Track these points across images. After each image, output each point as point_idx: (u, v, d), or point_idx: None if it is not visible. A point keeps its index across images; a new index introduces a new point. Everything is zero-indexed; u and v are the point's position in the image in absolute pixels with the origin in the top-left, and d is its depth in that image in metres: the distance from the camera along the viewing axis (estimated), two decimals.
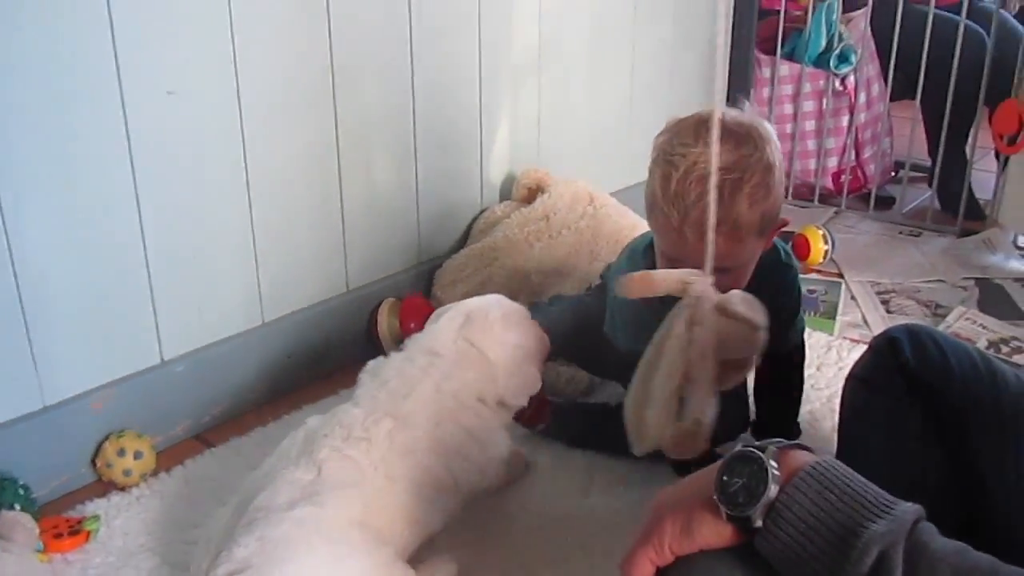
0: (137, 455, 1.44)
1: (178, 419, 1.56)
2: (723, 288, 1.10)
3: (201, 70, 1.47)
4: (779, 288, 1.37)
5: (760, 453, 0.69)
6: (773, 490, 0.67)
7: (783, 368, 1.48)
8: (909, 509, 0.65)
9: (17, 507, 1.29)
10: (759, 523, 0.67)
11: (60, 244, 1.36)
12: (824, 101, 2.65)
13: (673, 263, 1.19)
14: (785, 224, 1.30)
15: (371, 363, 1.25)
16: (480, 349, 1.22)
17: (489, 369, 1.21)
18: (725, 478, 0.70)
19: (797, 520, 0.66)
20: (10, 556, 1.13)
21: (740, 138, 1.18)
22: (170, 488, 1.43)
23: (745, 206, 1.17)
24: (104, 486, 1.44)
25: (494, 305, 1.28)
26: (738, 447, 0.72)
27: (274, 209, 1.63)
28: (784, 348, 1.42)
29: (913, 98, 2.56)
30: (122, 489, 1.43)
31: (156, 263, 1.48)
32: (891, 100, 2.68)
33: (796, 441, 0.73)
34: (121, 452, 1.43)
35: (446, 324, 1.24)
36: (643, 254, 1.36)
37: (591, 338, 1.46)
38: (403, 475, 1.13)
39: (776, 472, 0.68)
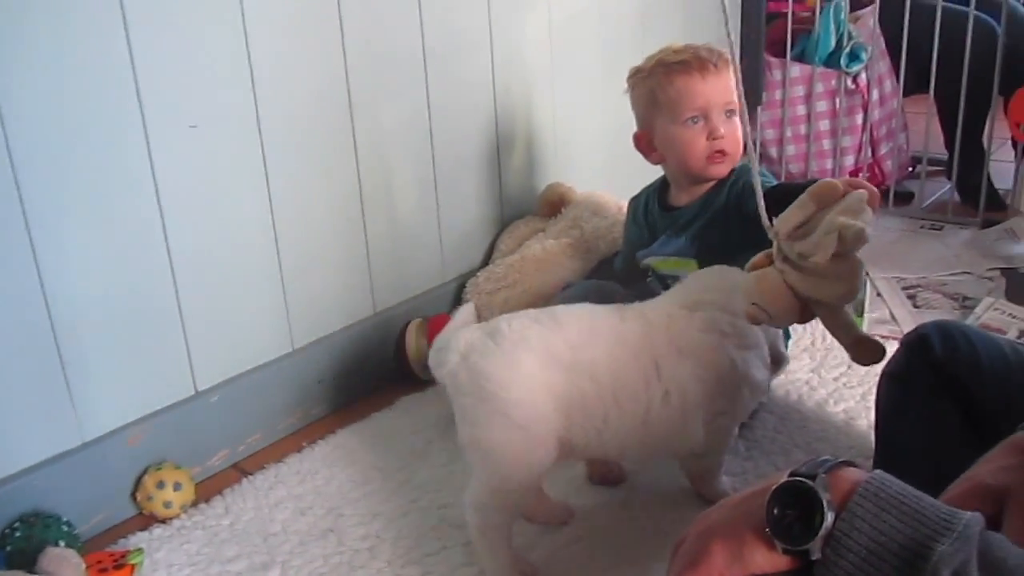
0: (177, 486, 1.45)
1: (215, 449, 1.57)
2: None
3: (222, 103, 1.49)
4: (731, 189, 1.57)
5: (810, 483, 0.66)
6: (830, 519, 0.64)
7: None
8: (971, 521, 0.62)
9: (62, 543, 1.30)
10: (818, 555, 0.65)
11: (92, 281, 1.38)
12: (837, 100, 2.64)
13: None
14: None
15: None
16: None
17: None
18: (776, 511, 0.67)
19: (859, 547, 0.63)
20: None
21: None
22: (211, 518, 1.43)
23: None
24: (146, 519, 1.45)
25: None
26: (784, 477, 0.68)
27: (299, 236, 1.64)
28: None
29: (926, 92, 2.55)
30: (163, 521, 1.43)
31: (185, 294, 1.49)
32: (904, 95, 2.67)
33: (842, 459, 0.70)
34: (160, 484, 1.44)
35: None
36: (659, 184, 1.68)
37: None
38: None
39: (829, 499, 0.65)
